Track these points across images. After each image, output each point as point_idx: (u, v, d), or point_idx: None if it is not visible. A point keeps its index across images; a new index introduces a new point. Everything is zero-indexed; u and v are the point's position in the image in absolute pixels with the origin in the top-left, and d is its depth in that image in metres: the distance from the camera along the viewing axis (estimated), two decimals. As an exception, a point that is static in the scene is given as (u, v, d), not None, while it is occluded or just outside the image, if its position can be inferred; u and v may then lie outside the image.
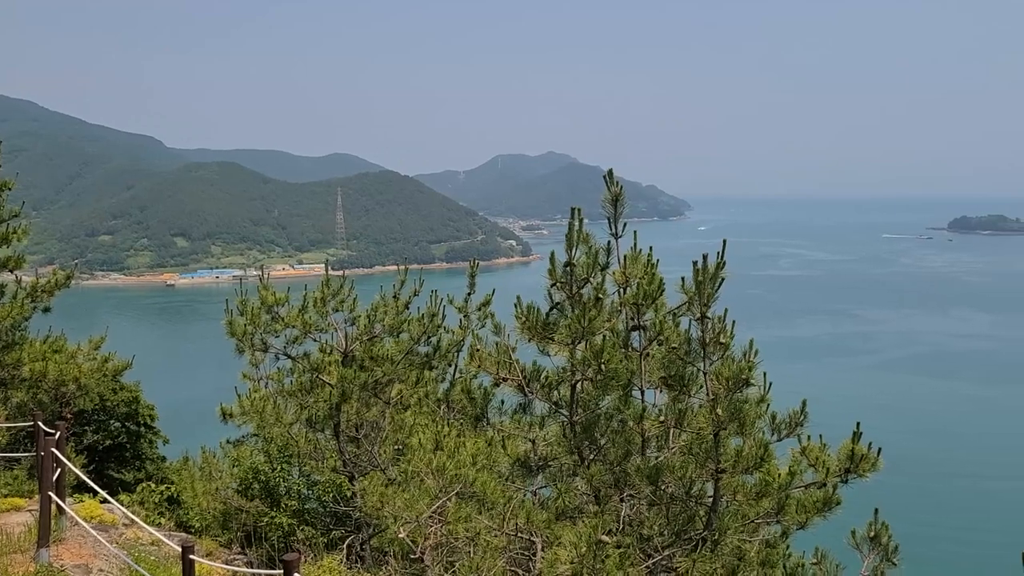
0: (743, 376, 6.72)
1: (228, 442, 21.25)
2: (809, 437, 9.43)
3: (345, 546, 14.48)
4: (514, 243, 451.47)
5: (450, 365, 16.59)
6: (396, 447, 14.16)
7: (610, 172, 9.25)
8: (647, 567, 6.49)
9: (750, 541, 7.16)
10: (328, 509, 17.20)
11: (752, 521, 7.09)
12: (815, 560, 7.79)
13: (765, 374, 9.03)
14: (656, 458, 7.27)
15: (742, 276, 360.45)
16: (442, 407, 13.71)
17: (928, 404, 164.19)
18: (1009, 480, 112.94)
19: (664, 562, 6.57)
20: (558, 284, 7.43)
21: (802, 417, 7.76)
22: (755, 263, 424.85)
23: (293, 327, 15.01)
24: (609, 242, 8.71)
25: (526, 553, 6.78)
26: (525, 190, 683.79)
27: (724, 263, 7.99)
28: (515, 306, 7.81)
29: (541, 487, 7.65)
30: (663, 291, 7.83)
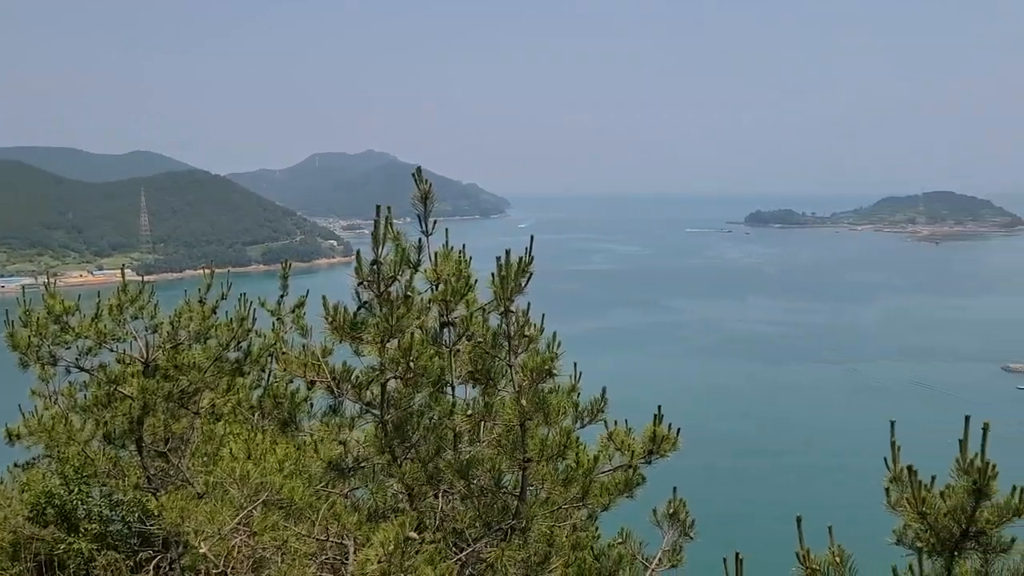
0: (547, 367, 6.95)
1: (16, 466, 19.50)
2: (616, 422, 9.82)
3: (152, 567, 13.65)
4: (335, 243, 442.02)
5: (263, 370, 16.01)
6: (205, 459, 13.51)
7: (418, 170, 9.25)
8: (459, 560, 6.59)
9: (560, 526, 7.42)
10: (134, 530, 16.15)
11: (560, 507, 7.35)
12: (620, 540, 8.18)
13: (576, 364, 9.39)
14: (468, 452, 7.38)
15: (560, 272, 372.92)
16: (256, 414, 13.20)
17: (732, 386, 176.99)
18: (802, 456, 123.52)
19: (475, 554, 6.69)
20: (365, 283, 7.36)
21: (603, 404, 8.12)
22: (572, 258, 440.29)
23: (86, 337, 13.90)
24: (420, 239, 8.71)
25: (340, 557, 6.69)
26: (345, 189, 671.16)
27: (532, 258, 8.17)
28: (323, 306, 7.66)
29: (355, 489, 7.56)
30: (471, 287, 7.94)
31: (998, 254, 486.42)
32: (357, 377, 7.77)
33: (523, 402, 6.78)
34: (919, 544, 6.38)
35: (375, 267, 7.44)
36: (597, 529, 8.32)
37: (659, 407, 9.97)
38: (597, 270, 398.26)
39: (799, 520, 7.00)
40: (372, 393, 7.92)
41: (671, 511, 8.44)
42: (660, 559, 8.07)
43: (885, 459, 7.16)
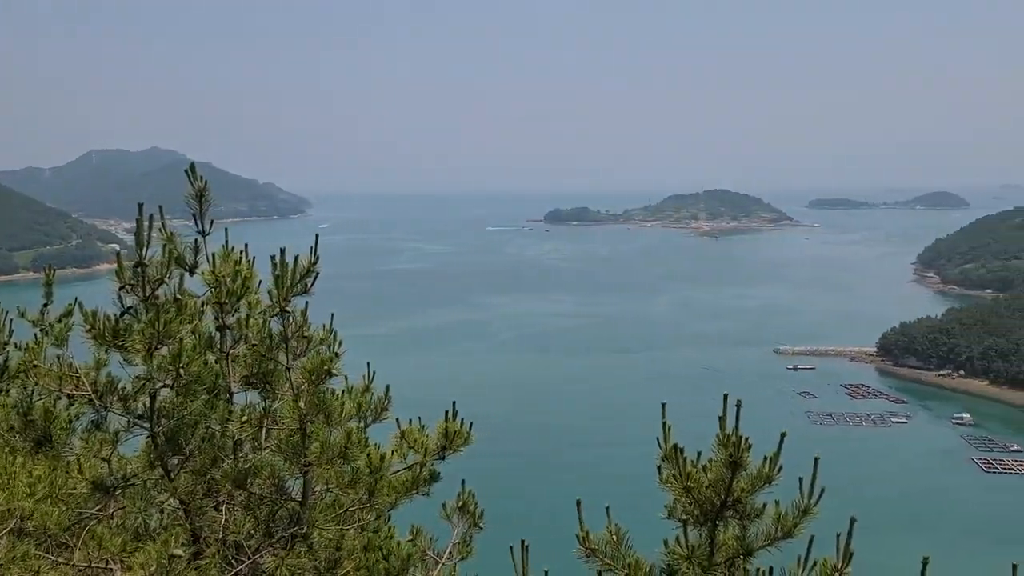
0: (327, 368, 6.79)
1: None
2: (410, 421, 9.79)
3: None
4: (117, 247, 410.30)
5: (26, 387, 14.52)
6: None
7: (192, 166, 8.75)
8: (236, 573, 6.30)
9: (347, 529, 7.29)
10: None
11: (347, 509, 7.22)
12: (411, 537, 8.17)
13: (369, 364, 9.25)
14: (249, 460, 7.07)
15: (367, 272, 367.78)
16: (12, 435, 11.95)
17: (536, 378, 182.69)
18: (602, 440, 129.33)
19: (255, 565, 6.43)
20: (128, 287, 6.85)
21: (387, 402, 8.06)
22: (378, 258, 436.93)
23: None
24: (196, 240, 8.23)
25: (105, 583, 6.20)
26: (127, 189, 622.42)
27: (318, 258, 7.95)
28: (80, 313, 7.05)
29: (121, 508, 7.03)
30: (250, 289, 7.60)
31: (767, 247, 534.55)
32: (124, 388, 7.23)
33: (302, 405, 6.59)
34: (684, 517, 6.84)
35: (140, 270, 6.94)
36: (390, 529, 8.25)
37: (453, 403, 10.06)
38: (404, 269, 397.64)
39: (579, 503, 7.30)
40: (144, 405, 7.39)
41: (460, 504, 8.54)
42: (450, 552, 8.16)
43: (657, 439, 7.59)
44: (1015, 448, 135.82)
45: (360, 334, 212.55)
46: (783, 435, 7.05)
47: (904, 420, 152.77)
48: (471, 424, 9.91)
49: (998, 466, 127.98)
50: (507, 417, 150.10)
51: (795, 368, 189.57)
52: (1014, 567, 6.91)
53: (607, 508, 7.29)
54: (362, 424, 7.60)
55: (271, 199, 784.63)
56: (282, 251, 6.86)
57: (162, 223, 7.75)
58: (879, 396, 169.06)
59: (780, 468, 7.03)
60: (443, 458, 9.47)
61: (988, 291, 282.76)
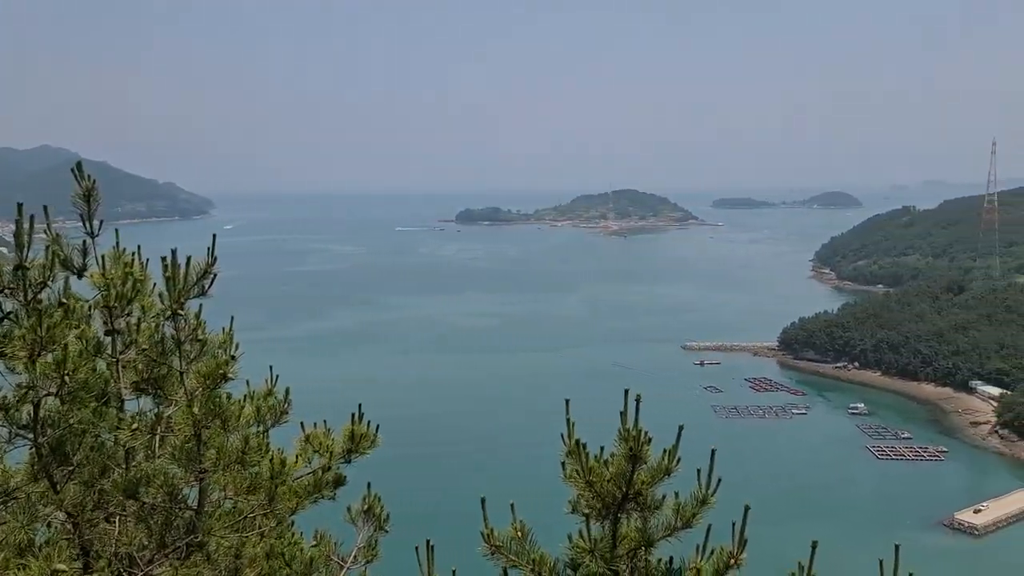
0: (222, 372, 6.61)
1: None
2: (315, 425, 9.65)
3: None
4: (5, 251, 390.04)
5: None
6: None
7: (79, 165, 8.38)
8: (127, 587, 6.07)
9: (247, 536, 7.12)
10: None
11: (247, 516, 7.04)
12: (315, 542, 8.04)
13: (272, 367, 9.05)
14: (142, 469, 6.82)
15: (276, 274, 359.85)
16: None
17: (452, 378, 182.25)
18: (515, 440, 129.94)
19: (147, 577, 6.21)
20: (7, 291, 6.51)
21: (286, 405, 7.91)
22: (287, 259, 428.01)
23: None
24: (84, 242, 7.89)
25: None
26: (13, 189, 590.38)
27: (216, 259, 7.73)
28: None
29: (3, 523, 6.66)
30: (141, 292, 7.33)
31: (674, 245, 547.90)
32: (5, 398, 6.86)
33: (196, 410, 6.39)
34: (587, 511, 6.94)
35: (20, 273, 6.60)
36: (294, 535, 8.09)
37: (359, 405, 9.96)
38: (314, 271, 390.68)
39: (483, 501, 7.31)
40: (28, 415, 7.03)
41: (366, 507, 8.44)
42: (355, 556, 8.06)
43: (562, 435, 7.68)
44: (905, 435, 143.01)
45: (269, 337, 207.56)
46: (680, 428, 7.22)
47: (804, 411, 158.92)
48: (377, 426, 9.82)
49: (890, 453, 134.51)
50: (419, 418, 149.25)
51: (702, 363, 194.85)
52: (896, 548, 7.28)
53: (511, 505, 7.33)
54: (261, 429, 7.43)
55: (172, 199, 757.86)
56: (173, 252, 6.63)
57: (47, 224, 7.42)
58: (780, 389, 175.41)
59: (678, 460, 7.20)
60: (349, 461, 9.35)
61: (880, 286, 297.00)
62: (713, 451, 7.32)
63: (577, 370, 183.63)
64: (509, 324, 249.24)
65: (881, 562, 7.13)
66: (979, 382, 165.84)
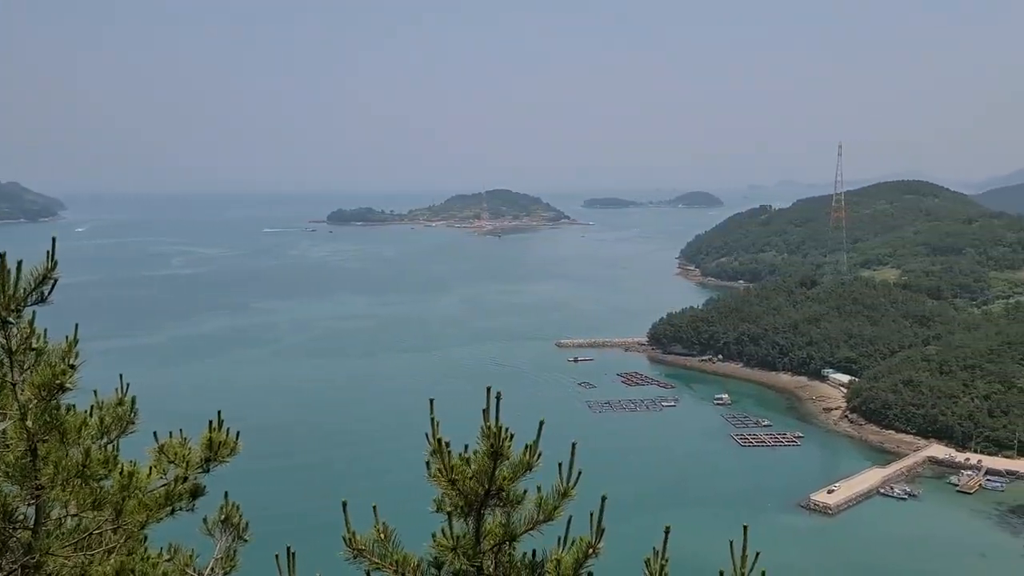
0: (59, 382, 6.23)
1: None
2: (171, 434, 9.26)
3: None
4: None
5: None
6: None
7: None
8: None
9: (93, 554, 6.74)
10: None
11: (91, 533, 6.68)
12: (168, 556, 7.71)
13: (121, 376, 8.59)
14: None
15: (134, 278, 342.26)
16: None
17: (326, 381, 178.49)
18: (392, 442, 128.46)
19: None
20: None
21: (132, 415, 7.55)
22: (148, 263, 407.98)
23: None
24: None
25: None
26: None
27: (56, 263, 7.28)
28: None
29: None
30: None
31: (547, 244, 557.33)
32: None
33: (30, 423, 6.01)
34: (450, 509, 6.97)
35: None
36: (146, 550, 7.72)
37: (219, 412, 9.62)
38: (177, 275, 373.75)
39: (344, 504, 7.22)
40: None
41: (223, 516, 8.15)
42: (212, 567, 7.79)
43: (426, 435, 7.67)
44: (766, 423, 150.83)
45: (126, 346, 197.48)
46: (541, 423, 7.36)
47: (673, 403, 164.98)
48: (238, 433, 9.52)
49: (752, 440, 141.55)
50: (288, 424, 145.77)
51: (575, 360, 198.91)
52: (745, 529, 7.68)
53: (374, 507, 7.26)
54: (105, 441, 7.06)
55: (15, 200, 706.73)
56: (2, 256, 6.20)
57: None
58: (651, 383, 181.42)
59: (540, 455, 7.34)
60: (207, 470, 9.03)
61: (741, 282, 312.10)
62: (573, 445, 7.49)
63: (454, 370, 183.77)
64: (384, 325, 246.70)
65: (732, 543, 7.52)
66: (831, 370, 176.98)
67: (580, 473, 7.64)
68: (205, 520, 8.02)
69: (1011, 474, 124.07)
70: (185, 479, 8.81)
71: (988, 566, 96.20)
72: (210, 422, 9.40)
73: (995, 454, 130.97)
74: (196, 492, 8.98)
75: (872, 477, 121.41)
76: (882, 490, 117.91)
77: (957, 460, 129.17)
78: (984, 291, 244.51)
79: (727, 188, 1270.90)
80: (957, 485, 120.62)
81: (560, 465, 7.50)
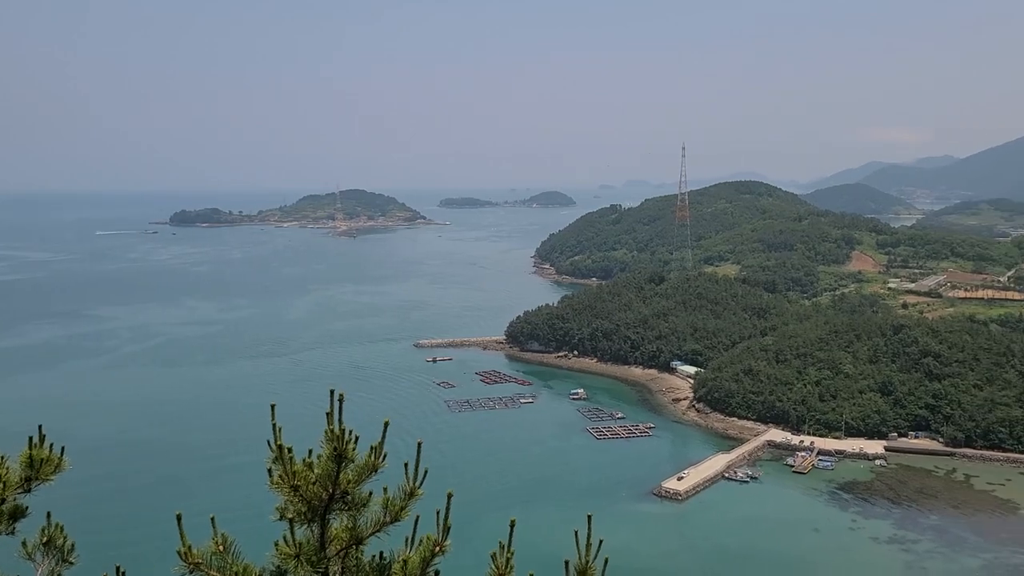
0: None
1: None
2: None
3: None
4: None
5: None
6: None
7: None
8: None
9: None
10: None
11: None
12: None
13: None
14: None
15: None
16: None
17: (171, 391, 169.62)
18: (244, 454, 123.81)
19: None
20: None
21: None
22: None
23: None
24: None
25: None
26: None
27: None
28: None
29: None
30: None
31: (404, 245, 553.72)
32: None
33: None
34: (291, 516, 6.79)
35: None
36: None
37: (39, 427, 8.98)
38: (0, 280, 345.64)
39: (179, 517, 6.91)
40: None
41: (45, 539, 7.61)
42: (33, 594, 7.25)
43: (268, 442, 7.43)
44: (619, 416, 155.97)
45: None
46: (386, 424, 7.29)
47: (531, 400, 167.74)
48: (63, 449, 8.91)
49: (607, 433, 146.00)
50: (124, 439, 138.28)
51: (434, 360, 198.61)
52: (589, 518, 7.91)
53: (212, 519, 6.99)
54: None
55: None
56: None
57: None
58: (509, 380, 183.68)
59: (385, 456, 7.27)
60: (29, 490, 8.40)
61: (594, 279, 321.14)
62: (419, 444, 7.46)
63: (308, 375, 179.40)
64: (234, 331, 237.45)
65: (576, 532, 7.72)
66: (678, 362, 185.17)
67: (427, 472, 7.63)
68: (24, 544, 7.45)
69: (839, 453, 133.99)
70: (3, 500, 8.18)
71: (821, 539, 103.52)
72: (30, 439, 8.76)
73: (825, 436, 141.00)
74: (16, 514, 8.36)
75: (717, 463, 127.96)
76: (727, 474, 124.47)
77: (793, 443, 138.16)
78: (813, 284, 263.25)
79: (579, 188, 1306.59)
80: (793, 466, 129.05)
81: (406, 465, 7.46)
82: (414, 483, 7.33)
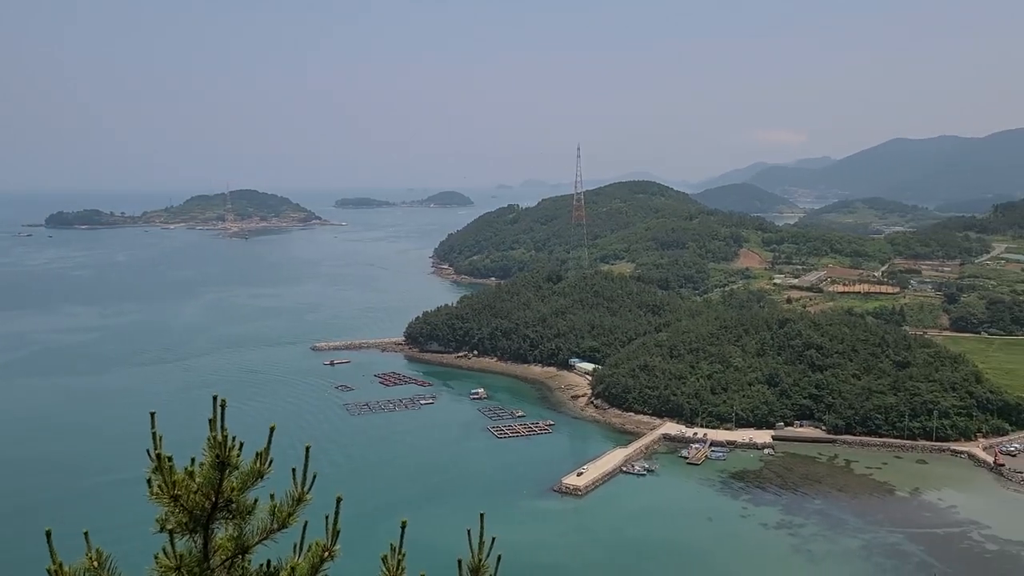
0: None
1: None
2: None
3: None
4: None
5: None
6: None
7: None
8: None
9: None
10: None
11: None
12: None
13: None
14: None
15: None
16: None
17: (47, 405, 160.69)
18: (131, 469, 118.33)
19: None
20: None
21: None
22: None
23: None
24: None
25: None
26: None
27: None
28: None
29: None
30: None
31: (299, 246, 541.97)
32: None
33: None
34: (171, 527, 6.54)
35: None
36: None
37: None
38: None
39: (48, 533, 6.55)
40: None
41: None
42: None
43: (148, 451, 7.11)
44: (520, 414, 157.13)
45: None
46: (272, 429, 7.10)
47: (432, 401, 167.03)
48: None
49: (507, 431, 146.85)
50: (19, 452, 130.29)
51: (332, 363, 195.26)
52: (481, 516, 7.93)
53: (85, 533, 6.66)
54: None
55: None
56: None
57: None
58: (409, 382, 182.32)
59: (271, 462, 7.10)
60: None
61: (492, 279, 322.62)
62: (307, 448, 7.32)
63: (199, 381, 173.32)
64: (118, 337, 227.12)
65: (469, 531, 7.72)
66: (577, 360, 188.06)
67: (315, 476, 7.48)
68: None
69: (731, 444, 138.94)
70: None
71: (714, 527, 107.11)
72: None
73: (717, 427, 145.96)
74: None
75: (615, 457, 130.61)
76: (624, 468, 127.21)
77: (687, 435, 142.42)
78: (704, 281, 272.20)
79: (477, 188, 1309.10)
80: (687, 458, 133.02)
81: (294, 470, 7.30)
82: (303, 488, 7.18)
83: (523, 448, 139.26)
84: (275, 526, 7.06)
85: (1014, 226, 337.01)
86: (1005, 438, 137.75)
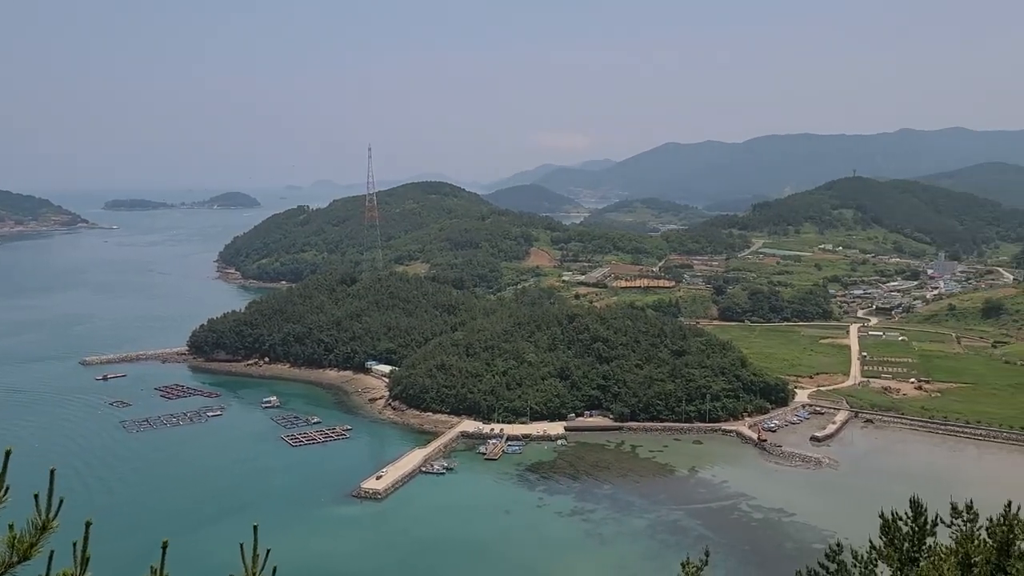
0: None
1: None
2: None
3: None
4: None
5: None
6: None
7: None
8: None
9: None
10: None
11: None
12: None
13: None
14: None
15: None
16: None
17: None
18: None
19: None
20: None
21: None
22: None
23: None
24: None
25: None
26: None
27: None
28: None
29: None
30: None
31: (62, 252, 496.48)
32: None
33: None
34: None
35: None
36: None
37: None
38: None
39: None
40: None
41: None
42: None
43: None
44: (315, 420, 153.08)
45: None
46: (8, 452, 6.32)
47: (220, 412, 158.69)
48: None
49: (303, 439, 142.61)
50: None
51: (105, 378, 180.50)
52: (255, 528, 7.50)
53: None
54: None
55: None
56: None
57: None
58: (194, 393, 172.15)
59: (7, 489, 6.30)
60: None
61: (283, 282, 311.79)
62: (52, 471, 6.59)
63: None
64: None
65: (242, 545, 7.27)
66: (373, 362, 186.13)
67: (63, 501, 6.73)
68: None
69: (526, 437, 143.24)
70: None
71: (512, 520, 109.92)
72: None
73: (513, 422, 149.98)
74: None
75: (415, 458, 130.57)
76: (424, 468, 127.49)
77: (484, 432, 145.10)
78: (498, 280, 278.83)
79: (264, 189, 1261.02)
80: (485, 454, 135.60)
81: (36, 496, 6.52)
82: (47, 516, 6.44)
83: (320, 455, 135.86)
84: (15, 559, 6.30)
85: (769, 223, 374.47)
86: (766, 416, 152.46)
